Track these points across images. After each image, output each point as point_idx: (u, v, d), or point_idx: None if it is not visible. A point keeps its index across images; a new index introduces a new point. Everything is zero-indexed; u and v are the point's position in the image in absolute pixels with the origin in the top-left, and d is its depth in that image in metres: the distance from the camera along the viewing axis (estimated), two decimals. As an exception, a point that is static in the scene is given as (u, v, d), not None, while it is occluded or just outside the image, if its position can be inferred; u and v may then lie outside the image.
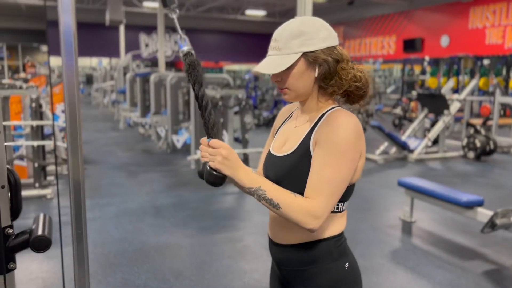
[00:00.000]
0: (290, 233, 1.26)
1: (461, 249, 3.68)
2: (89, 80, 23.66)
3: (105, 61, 23.18)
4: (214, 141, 1.12)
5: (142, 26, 21.21)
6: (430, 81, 13.25)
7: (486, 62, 11.58)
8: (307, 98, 1.25)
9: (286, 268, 1.30)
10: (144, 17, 18.34)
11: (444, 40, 14.90)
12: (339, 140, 1.13)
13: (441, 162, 7.26)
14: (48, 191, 4.92)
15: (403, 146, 7.31)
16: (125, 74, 12.40)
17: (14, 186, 1.28)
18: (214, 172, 1.12)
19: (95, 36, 22.01)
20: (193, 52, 1.16)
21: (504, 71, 12.28)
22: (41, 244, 1.25)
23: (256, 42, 23.15)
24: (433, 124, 8.14)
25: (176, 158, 7.26)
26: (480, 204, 3.65)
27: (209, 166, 1.13)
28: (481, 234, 3.83)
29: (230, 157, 1.12)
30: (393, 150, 7.43)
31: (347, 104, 1.29)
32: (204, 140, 1.16)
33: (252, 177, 1.15)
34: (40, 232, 1.26)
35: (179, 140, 7.31)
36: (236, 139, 6.61)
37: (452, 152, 7.76)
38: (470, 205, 3.64)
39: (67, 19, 1.01)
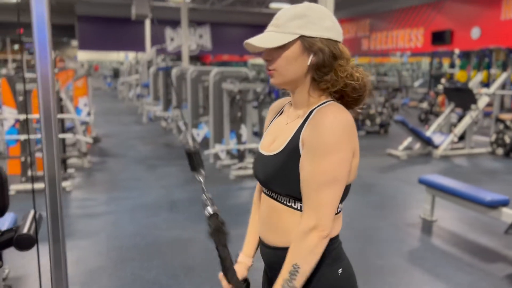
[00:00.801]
0: (280, 234, 1.19)
1: (483, 250, 3.52)
2: (116, 74, 24.03)
3: (131, 55, 23.49)
4: None
5: (168, 20, 21.36)
6: (459, 75, 12.81)
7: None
8: (295, 87, 1.17)
9: (275, 271, 1.23)
10: (170, 11, 18.41)
11: (475, 32, 14.38)
12: (326, 141, 1.05)
13: (467, 159, 7.01)
14: (67, 184, 4.99)
15: (427, 142, 7.08)
16: (149, 68, 12.50)
17: (0, 183, 1.25)
18: None
19: (122, 30, 22.32)
20: (219, 213, 1.23)
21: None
22: (24, 243, 1.21)
23: (281, 36, 22.93)
24: (461, 119, 7.86)
25: (196, 152, 7.24)
26: (505, 203, 3.48)
27: None
28: (505, 236, 3.66)
29: None
30: (417, 145, 7.21)
31: None
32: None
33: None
34: (25, 231, 1.22)
35: (199, 134, 7.30)
36: (255, 133, 6.54)
37: (479, 149, 7.47)
38: (495, 205, 3.47)
39: (39, 8, 0.95)
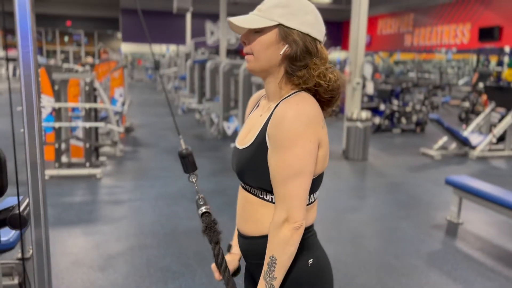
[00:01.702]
0: (253, 225, 1.20)
1: (509, 256, 3.36)
2: (157, 66, 24.55)
3: (172, 48, 23.92)
4: None
5: (209, 13, 21.58)
6: (507, 73, 12.21)
7: None
8: (267, 76, 1.17)
9: (249, 260, 1.25)
10: (211, 5, 18.59)
11: (526, 28, 13.65)
12: (285, 134, 1.05)
13: (506, 161, 6.69)
14: (98, 171, 5.16)
15: (463, 142, 6.81)
16: (187, 61, 12.69)
17: (-2, 164, 1.31)
18: None
19: (163, 23, 22.78)
20: (210, 211, 1.28)
21: None
22: (17, 222, 1.27)
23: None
24: (502, 119, 7.50)
25: (225, 144, 7.32)
26: (535, 208, 3.30)
27: None
28: (535, 242, 3.49)
29: None
30: (453, 145, 6.96)
31: None
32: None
33: (259, 285, 1.13)
34: (20, 210, 1.28)
35: (230, 127, 7.35)
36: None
37: (521, 151, 7.12)
38: (524, 209, 3.30)
39: (20, -2, 0.99)
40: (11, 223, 1.31)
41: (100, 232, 3.62)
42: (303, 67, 1.12)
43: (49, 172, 5.01)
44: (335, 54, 17.62)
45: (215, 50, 21.50)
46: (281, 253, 1.08)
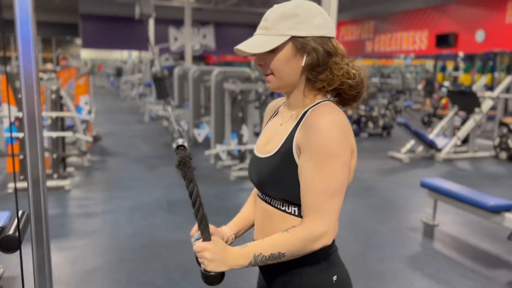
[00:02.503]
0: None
1: (485, 256, 3.46)
2: (119, 72, 24.03)
3: (135, 54, 23.49)
4: (196, 247, 1.07)
5: (172, 19, 21.33)
6: (464, 78, 12.73)
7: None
8: (292, 90, 1.13)
9: (270, 277, 1.19)
10: (174, 11, 18.39)
11: (480, 35, 14.31)
12: (325, 144, 1.00)
13: (470, 163, 6.94)
14: (66, 182, 4.95)
15: (430, 145, 7.02)
16: (151, 67, 12.47)
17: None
18: (208, 273, 1.07)
19: (125, 29, 22.33)
20: (186, 145, 1.14)
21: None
22: (9, 244, 1.17)
23: (284, 36, 22.86)
24: (464, 122, 7.79)
25: (197, 152, 7.20)
26: (508, 209, 3.42)
27: (202, 268, 1.09)
28: (508, 241, 3.60)
29: (216, 254, 1.05)
30: (420, 148, 7.15)
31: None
32: (192, 235, 1.16)
33: (243, 253, 1.06)
34: (11, 232, 1.18)
35: (200, 134, 7.26)
36: (257, 134, 6.50)
37: (483, 152, 7.40)
38: (498, 210, 3.41)
39: (22, 2, 0.91)
40: (2, 246, 1.21)
41: (74, 247, 3.45)
42: (324, 70, 1.08)
43: (13, 185, 4.75)
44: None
45: (179, 56, 21.29)
46: (292, 256, 1.05)
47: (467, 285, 2.98)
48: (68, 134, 5.14)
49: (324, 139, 1.00)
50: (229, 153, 6.17)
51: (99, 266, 3.13)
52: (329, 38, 1.09)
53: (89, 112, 7.06)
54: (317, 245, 1.03)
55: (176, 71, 8.64)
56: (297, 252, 1.04)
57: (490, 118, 10.07)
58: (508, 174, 6.28)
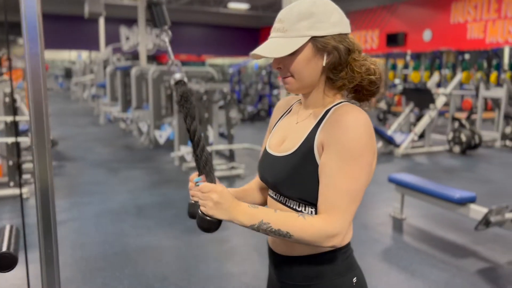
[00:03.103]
0: (289, 242, 1.11)
1: (453, 246, 3.60)
2: (68, 74, 23.09)
3: (84, 54, 22.65)
4: (203, 186, 1.00)
5: (123, 18, 20.74)
6: (413, 76, 13.26)
7: (466, 56, 11.66)
8: (311, 90, 1.11)
9: (287, 282, 1.15)
10: (125, 10, 17.90)
11: (427, 35, 14.94)
12: (352, 143, 0.98)
13: (427, 157, 7.23)
14: (24, 191, 4.68)
15: (389, 141, 7.24)
16: (105, 67, 12.08)
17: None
18: (208, 218, 0.99)
19: (74, 28, 21.47)
20: (186, 80, 1.06)
21: (485, 66, 12.38)
22: (5, 263, 1.07)
23: (239, 36, 22.90)
24: (418, 118, 8.10)
25: (159, 154, 7.05)
26: (472, 200, 3.57)
27: (201, 211, 1.00)
28: (472, 231, 3.77)
29: (223, 199, 0.99)
30: (379, 144, 7.36)
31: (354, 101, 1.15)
32: (192, 178, 1.07)
33: (251, 213, 1.01)
34: (4, 249, 1.08)
35: (162, 135, 7.10)
36: (221, 135, 6.44)
37: (437, 147, 7.73)
38: (463, 202, 3.56)
39: (30, 2, 0.83)
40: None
41: (39, 260, 3.26)
42: (344, 67, 1.07)
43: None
44: (255, 61, 17.84)
45: (132, 56, 20.74)
46: (298, 240, 1.01)
47: (440, 275, 3.08)
48: (25, 139, 4.86)
49: (352, 138, 0.98)
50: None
51: (69, 278, 2.97)
52: (346, 34, 1.07)
53: (43, 115, 6.71)
54: (328, 243, 1.00)
55: (133, 71, 8.40)
56: (305, 241, 1.00)
57: (441, 114, 10.53)
58: (463, 167, 6.59)
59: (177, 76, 1.06)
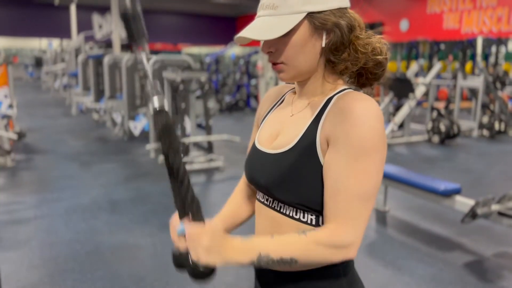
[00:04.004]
0: None
1: (438, 239, 3.53)
2: (38, 63, 22.29)
3: (55, 42, 21.88)
4: (190, 232, 0.84)
5: (95, 6, 20.08)
6: (390, 65, 13.29)
7: (442, 47, 11.73)
8: (309, 77, 0.94)
9: None
10: (97, -4, 17.31)
11: (404, 24, 14.96)
12: (364, 137, 0.82)
13: (406, 147, 7.19)
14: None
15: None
16: (77, 56, 11.64)
17: None
18: (202, 268, 0.84)
19: (44, 16, 20.69)
20: (166, 106, 0.88)
21: (461, 56, 12.48)
22: None
23: (216, 25, 22.51)
24: (397, 108, 8.05)
25: (134, 146, 6.79)
26: (457, 192, 3.50)
27: (192, 262, 0.84)
28: (456, 223, 3.71)
29: (214, 241, 0.83)
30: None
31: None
32: (174, 225, 0.89)
33: (246, 248, 0.85)
34: None
35: (137, 126, 6.83)
36: (199, 125, 6.23)
37: (416, 136, 7.71)
38: (448, 194, 3.47)
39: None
40: None
41: (5, 261, 3.03)
42: (346, 48, 0.90)
43: None
44: (232, 50, 17.59)
45: (105, 44, 20.15)
46: (305, 264, 0.86)
47: (426, 270, 2.99)
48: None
49: (364, 131, 0.82)
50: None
51: (37, 282, 2.76)
52: (346, 8, 0.91)
53: (10, 106, 6.36)
54: (340, 257, 0.85)
55: (106, 60, 8.07)
56: (314, 262, 0.86)
57: (418, 104, 10.55)
58: (442, 156, 6.58)
59: (156, 103, 0.88)
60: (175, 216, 0.91)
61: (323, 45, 0.89)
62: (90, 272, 2.87)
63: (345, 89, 0.93)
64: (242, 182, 1.17)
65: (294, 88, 1.04)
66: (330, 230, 0.84)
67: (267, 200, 0.98)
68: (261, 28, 0.88)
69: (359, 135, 0.82)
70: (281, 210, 0.94)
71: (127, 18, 0.89)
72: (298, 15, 0.86)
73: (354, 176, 0.83)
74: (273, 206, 0.96)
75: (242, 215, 1.14)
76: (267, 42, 0.91)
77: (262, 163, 0.97)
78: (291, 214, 0.93)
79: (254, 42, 0.94)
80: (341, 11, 0.89)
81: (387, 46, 0.94)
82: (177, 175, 0.86)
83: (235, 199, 1.16)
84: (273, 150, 0.95)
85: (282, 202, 0.94)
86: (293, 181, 0.90)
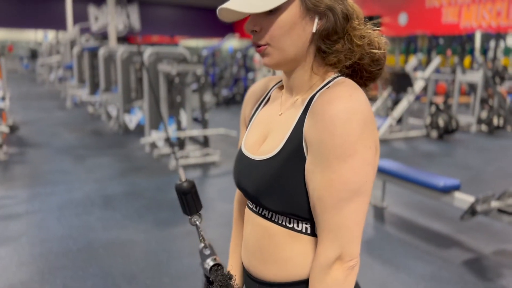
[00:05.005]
0: (278, 266, 0.87)
1: (437, 236, 3.48)
2: (33, 55, 22.09)
3: (51, 34, 21.67)
4: None
5: (91, -3, 19.86)
6: (389, 59, 13.21)
7: (440, 41, 11.66)
8: (295, 66, 0.85)
9: None
10: (93, -12, 17.08)
11: (402, 18, 14.87)
12: (337, 143, 0.74)
13: (405, 142, 7.14)
14: (-21, 180, 4.31)
15: (367, 126, 7.10)
16: (72, 48, 11.51)
17: None
18: None
19: (39, 7, 20.47)
20: (220, 263, 0.91)
21: (459, 50, 12.40)
22: None
23: (214, 17, 22.33)
24: (395, 103, 7.98)
25: (129, 140, 6.71)
26: (457, 188, 3.44)
27: None
28: (455, 219, 3.66)
29: None
30: (357, 129, 7.21)
31: None
32: None
33: None
34: None
35: (132, 120, 6.75)
36: (195, 119, 6.15)
37: (415, 131, 7.66)
38: (448, 190, 3.42)
39: None
40: None
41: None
42: (340, 38, 0.82)
43: None
44: (230, 43, 17.46)
45: (101, 36, 19.96)
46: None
47: (425, 268, 2.94)
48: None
49: (337, 136, 0.73)
50: (167, 140, 5.77)
51: (27, 279, 2.69)
52: None
53: (3, 98, 6.26)
54: (337, 274, 0.78)
55: (101, 52, 7.96)
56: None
57: (416, 98, 10.48)
58: (441, 152, 6.52)
59: (210, 262, 0.92)
60: None
61: (314, 30, 0.81)
62: (81, 269, 2.80)
63: (333, 79, 0.84)
64: (237, 202, 1.10)
65: (281, 81, 0.96)
66: (316, 255, 0.81)
67: (256, 207, 0.91)
68: (250, 3, 0.78)
69: (330, 142, 0.74)
70: (273, 219, 0.87)
71: (183, 193, 0.99)
72: None
73: (327, 185, 0.76)
74: (263, 214, 0.89)
75: None
76: (252, 19, 0.82)
77: (248, 170, 0.89)
78: (283, 223, 0.86)
79: (248, 35, 0.86)
80: None
81: (386, 42, 0.86)
82: None
83: (238, 228, 1.10)
84: (259, 156, 0.87)
85: (271, 210, 0.86)
86: (283, 190, 0.82)
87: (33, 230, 3.40)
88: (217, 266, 0.90)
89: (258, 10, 0.77)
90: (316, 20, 0.80)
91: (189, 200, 0.97)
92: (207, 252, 0.93)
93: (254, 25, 0.82)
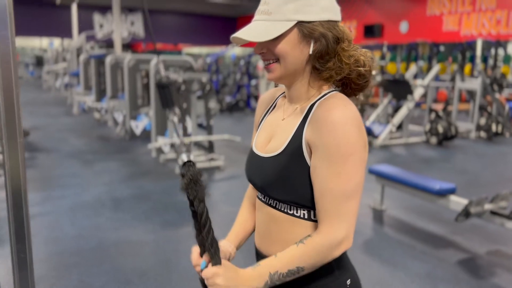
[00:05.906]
0: (281, 246, 1.04)
1: (433, 237, 3.63)
2: (39, 62, 22.39)
3: (56, 42, 21.98)
4: (206, 272, 0.95)
5: (96, 5, 20.18)
6: (390, 67, 13.38)
7: (441, 49, 11.83)
8: (295, 81, 1.04)
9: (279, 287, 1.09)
10: (98, -4, 17.39)
11: (404, 26, 15.07)
12: (340, 143, 0.92)
13: (405, 148, 7.29)
14: (-7, 183, 4.48)
15: (368, 132, 7.27)
16: (78, 55, 11.73)
17: None
18: None
19: (45, 15, 20.78)
20: (194, 161, 1.00)
21: (460, 58, 12.57)
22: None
23: (217, 25, 22.61)
24: (396, 109, 8.15)
25: (135, 145, 6.89)
26: (452, 191, 3.59)
27: None
28: (451, 221, 3.80)
29: (229, 280, 0.94)
30: (358, 135, 7.37)
31: None
32: (196, 261, 1.01)
33: (258, 274, 0.96)
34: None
35: (138, 126, 6.93)
36: (200, 125, 6.33)
37: (414, 138, 7.81)
38: (443, 193, 3.57)
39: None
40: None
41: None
42: (332, 57, 1.00)
43: None
44: (233, 50, 17.69)
45: (106, 44, 20.24)
46: (312, 267, 0.97)
47: (422, 267, 3.09)
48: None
49: (340, 138, 0.92)
50: (172, 145, 5.95)
51: (43, 275, 2.85)
52: (336, 22, 1.01)
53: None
54: (338, 252, 0.97)
55: (108, 60, 8.16)
56: (318, 263, 0.97)
57: (417, 105, 10.65)
58: (440, 157, 6.67)
59: (184, 157, 1.00)
60: (196, 250, 1.02)
61: (310, 52, 0.99)
62: (95, 267, 2.96)
63: (328, 93, 1.02)
64: (250, 187, 1.27)
65: (285, 92, 1.14)
66: (323, 232, 0.96)
67: (264, 198, 1.09)
68: (254, 31, 0.98)
69: (335, 142, 0.92)
70: (277, 207, 1.06)
71: (161, 87, 1.00)
72: (289, 22, 0.96)
73: (335, 178, 0.93)
74: (269, 203, 1.07)
75: (251, 225, 1.24)
76: (259, 44, 1.01)
77: (258, 166, 1.07)
78: (285, 210, 1.04)
79: (252, 44, 1.05)
80: (330, 23, 0.99)
81: (372, 59, 1.04)
82: (200, 220, 0.98)
83: (244, 212, 1.26)
84: (267, 153, 1.05)
85: (276, 200, 1.05)
86: (285, 182, 1.01)
87: (46, 231, 3.56)
88: (190, 161, 1.01)
89: (263, 39, 0.97)
90: (312, 44, 0.99)
91: (168, 93, 1.05)
92: (183, 149, 1.05)
93: (261, 49, 1.02)
